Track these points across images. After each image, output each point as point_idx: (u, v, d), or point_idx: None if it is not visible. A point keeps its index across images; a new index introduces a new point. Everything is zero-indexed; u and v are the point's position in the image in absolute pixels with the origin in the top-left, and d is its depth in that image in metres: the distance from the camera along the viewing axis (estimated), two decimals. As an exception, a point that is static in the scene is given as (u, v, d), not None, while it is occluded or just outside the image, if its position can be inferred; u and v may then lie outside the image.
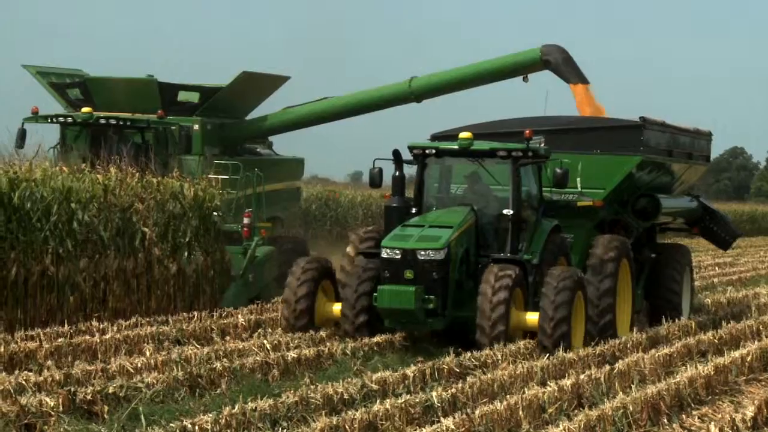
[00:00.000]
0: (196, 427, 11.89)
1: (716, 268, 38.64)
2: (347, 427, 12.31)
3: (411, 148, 19.90)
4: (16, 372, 15.36)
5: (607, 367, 16.30)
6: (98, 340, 17.90)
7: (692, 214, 24.79)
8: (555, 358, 17.20)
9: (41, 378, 14.68)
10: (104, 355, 17.39)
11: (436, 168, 20.32)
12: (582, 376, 15.40)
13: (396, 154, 20.06)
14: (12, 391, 14.00)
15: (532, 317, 18.71)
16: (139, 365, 15.83)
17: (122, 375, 15.33)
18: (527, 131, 19.80)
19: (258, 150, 28.94)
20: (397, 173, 20.14)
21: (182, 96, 26.66)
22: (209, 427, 11.98)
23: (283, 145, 30.18)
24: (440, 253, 18.56)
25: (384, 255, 18.71)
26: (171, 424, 11.97)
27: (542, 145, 21.11)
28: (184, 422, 12.02)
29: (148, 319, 20.73)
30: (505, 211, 19.55)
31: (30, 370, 15.55)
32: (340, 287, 19.83)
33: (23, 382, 14.38)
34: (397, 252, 18.61)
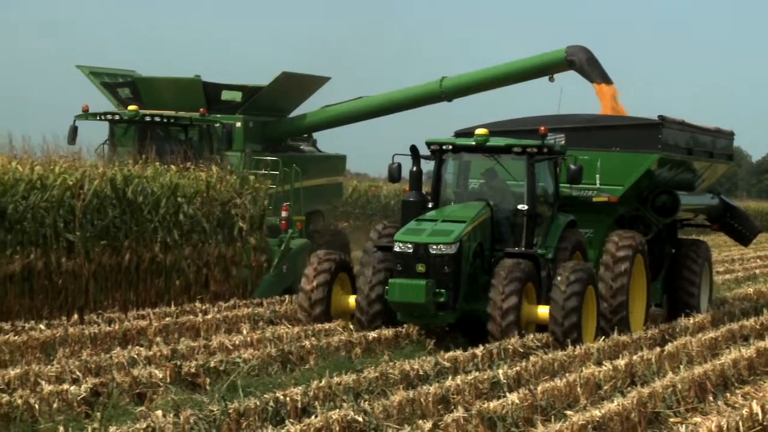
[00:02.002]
0: (288, 399, 11.92)
1: (758, 260, 38.12)
2: (422, 400, 12.28)
3: (429, 144, 18.72)
4: (129, 347, 15.54)
5: (658, 348, 16.17)
6: (201, 320, 18.03)
7: (713, 211, 23.46)
8: (610, 341, 17.09)
9: (151, 352, 14.82)
10: (206, 333, 17.51)
11: (454, 163, 19.11)
12: (635, 357, 15.27)
13: (413, 149, 18.84)
14: (125, 363, 14.17)
15: (544, 311, 17.49)
16: (237, 342, 15.93)
17: (222, 351, 15.44)
18: (542, 128, 18.69)
19: (301, 147, 27.93)
20: (414, 168, 18.94)
21: (225, 95, 25.86)
22: (299, 399, 12.00)
23: (328, 141, 29.32)
24: (452, 247, 17.30)
25: (396, 249, 17.48)
26: (265, 396, 12.02)
27: (562, 142, 20.13)
28: (277, 394, 12.07)
29: (245, 302, 20.86)
30: (520, 206, 18.32)
31: (141, 346, 15.71)
32: (357, 280, 18.52)
33: (135, 356, 14.53)
34: (409, 246, 17.36)
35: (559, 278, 17.39)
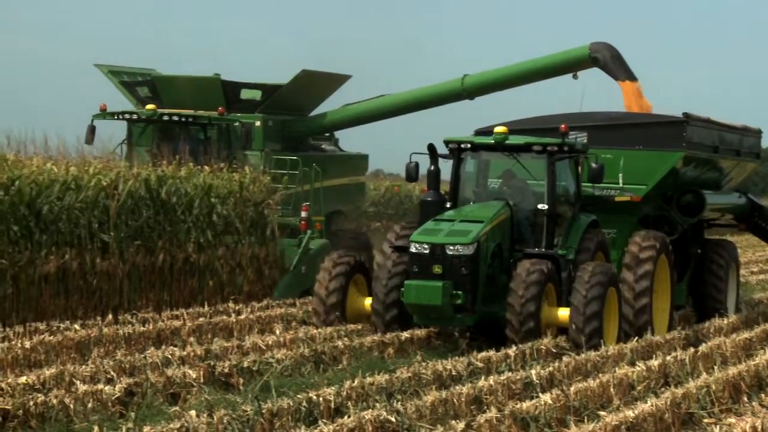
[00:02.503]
0: (321, 399, 11.88)
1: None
2: (455, 400, 12.22)
3: (447, 143, 18.03)
4: (163, 347, 15.55)
5: (692, 349, 16.02)
6: (234, 320, 18.03)
7: (740, 211, 22.63)
8: (643, 341, 16.95)
9: (185, 353, 14.82)
10: (239, 333, 17.50)
11: (473, 162, 18.41)
12: (668, 357, 15.14)
13: (431, 148, 18.14)
14: (159, 363, 14.18)
15: (564, 313, 16.80)
16: (270, 342, 15.91)
17: (255, 351, 15.42)
18: (563, 126, 18.03)
19: (323, 146, 27.16)
20: (432, 167, 18.24)
21: (245, 94, 25.12)
22: (332, 399, 11.96)
23: (350, 140, 28.49)
24: (469, 248, 16.64)
25: (413, 249, 16.79)
26: (298, 396, 11.98)
27: (585, 141, 19.49)
28: (310, 394, 12.03)
29: (278, 302, 20.84)
30: (540, 206, 17.64)
31: (175, 346, 15.71)
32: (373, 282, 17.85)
33: (169, 356, 14.54)
34: (426, 246, 16.69)
35: (579, 281, 16.72)
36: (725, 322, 19.69)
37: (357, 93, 26.87)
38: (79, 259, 18.58)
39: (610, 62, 23.63)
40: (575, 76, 24.32)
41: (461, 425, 10.72)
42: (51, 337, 15.60)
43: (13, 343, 15.16)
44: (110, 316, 17.96)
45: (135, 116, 23.56)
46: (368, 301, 17.74)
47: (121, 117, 23.49)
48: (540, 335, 16.30)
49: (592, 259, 17.62)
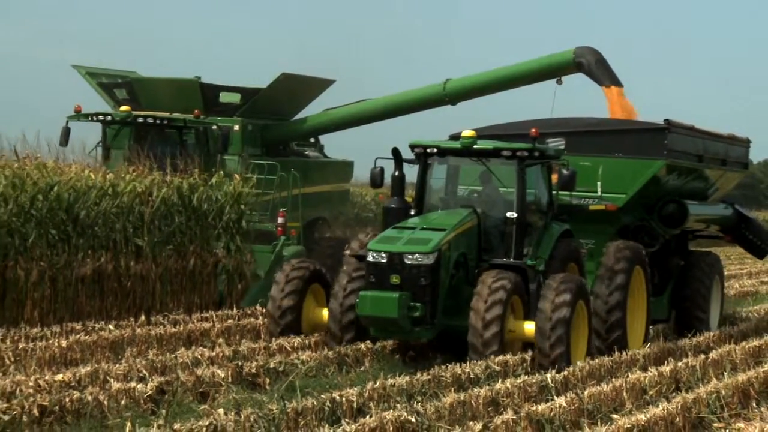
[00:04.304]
0: (344, 399, 11.86)
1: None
2: (473, 402, 12.17)
3: (412, 147, 16.53)
4: (193, 348, 15.57)
5: (703, 356, 15.92)
6: (261, 322, 18.01)
7: (727, 222, 21.03)
8: (655, 347, 16.85)
9: (213, 353, 14.83)
10: (266, 335, 17.49)
11: (441, 168, 16.87)
12: (680, 364, 15.07)
13: (395, 152, 16.73)
14: (189, 363, 14.19)
15: (531, 327, 15.28)
16: (296, 344, 15.88)
17: (281, 353, 15.40)
18: (533, 130, 16.46)
19: (306, 152, 25.68)
20: (396, 173, 16.83)
21: (224, 97, 23.70)
22: (354, 399, 11.94)
23: (338, 147, 26.96)
24: (429, 257, 15.15)
25: (370, 259, 15.27)
26: (322, 396, 11.96)
27: (563, 147, 18.01)
28: (333, 394, 12.01)
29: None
30: (508, 214, 16.08)
31: (204, 346, 15.72)
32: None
33: (199, 357, 14.55)
34: (383, 255, 15.18)
35: (545, 295, 15.17)
36: (735, 329, 19.54)
37: (342, 98, 25.74)
38: (114, 262, 18.63)
39: (594, 67, 22.24)
40: (560, 81, 22.85)
41: (479, 426, 10.68)
42: (86, 337, 15.65)
43: (51, 342, 15.22)
44: (143, 317, 17.99)
45: (109, 118, 22.10)
46: (325, 311, 16.33)
47: (95, 119, 22.04)
48: (503, 343, 14.92)
49: (563, 270, 16.16)
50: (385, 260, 15.24)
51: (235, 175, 21.43)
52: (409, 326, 15.16)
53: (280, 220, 21.49)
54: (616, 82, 22.09)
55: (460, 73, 23.92)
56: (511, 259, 16.02)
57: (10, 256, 17.02)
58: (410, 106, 24.42)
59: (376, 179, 16.89)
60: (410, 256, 15.22)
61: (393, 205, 16.70)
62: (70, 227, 18.05)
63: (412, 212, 16.49)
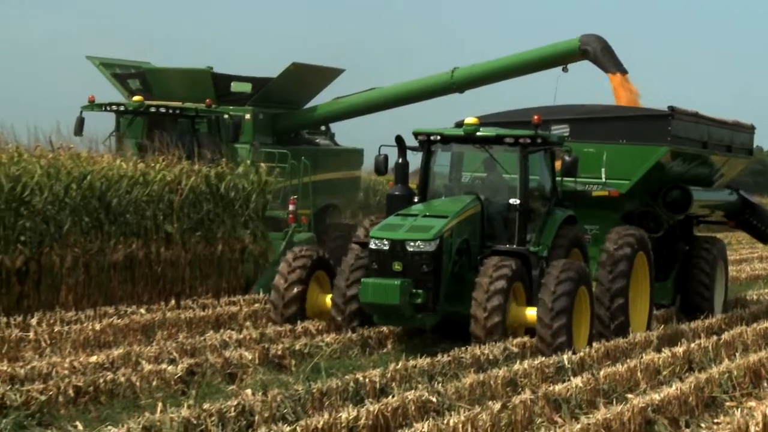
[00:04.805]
0: (367, 380, 11.95)
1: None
2: (491, 383, 12.26)
3: (416, 134, 16.27)
4: (221, 330, 15.70)
5: (715, 337, 15.97)
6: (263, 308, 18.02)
7: (731, 208, 20.79)
8: (668, 328, 16.89)
9: (241, 336, 14.96)
10: (268, 322, 17.44)
11: (446, 155, 16.55)
12: (692, 345, 15.11)
13: (399, 140, 16.45)
14: (218, 346, 14.32)
15: (533, 313, 14.99)
16: (320, 327, 15.95)
17: (307, 335, 15.50)
18: (536, 117, 16.15)
19: (317, 140, 25.32)
20: (400, 160, 16.52)
21: (236, 87, 23.45)
22: (377, 380, 12.03)
23: (350, 135, 26.58)
24: (431, 244, 14.87)
25: (372, 246, 15.03)
26: (346, 377, 12.07)
27: (567, 134, 17.81)
28: (357, 375, 12.12)
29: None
30: (511, 201, 15.86)
31: (232, 329, 15.86)
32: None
33: (227, 339, 14.68)
34: (386, 243, 14.92)
35: (546, 281, 14.84)
36: (747, 312, 19.54)
37: (352, 87, 25.28)
38: (145, 248, 18.79)
39: (599, 54, 21.87)
40: (565, 69, 22.51)
41: (497, 406, 10.75)
42: (119, 321, 15.79)
43: (85, 325, 15.37)
44: (173, 302, 18.13)
45: (122, 107, 21.85)
46: (329, 298, 16.01)
47: (108, 108, 21.77)
48: (506, 337, 14.65)
49: (566, 256, 15.85)
50: (387, 247, 14.97)
51: (261, 164, 21.48)
52: (411, 313, 14.91)
53: (291, 207, 21.28)
54: (622, 69, 21.80)
55: (467, 62, 23.91)
56: (514, 246, 15.78)
57: (45, 243, 17.19)
58: (419, 95, 24.18)
59: (380, 167, 16.64)
60: (412, 244, 14.95)
61: (396, 193, 16.47)
62: (102, 215, 18.20)
63: (416, 199, 16.26)
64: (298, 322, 15.86)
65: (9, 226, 16.72)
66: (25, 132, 19.26)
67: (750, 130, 21.50)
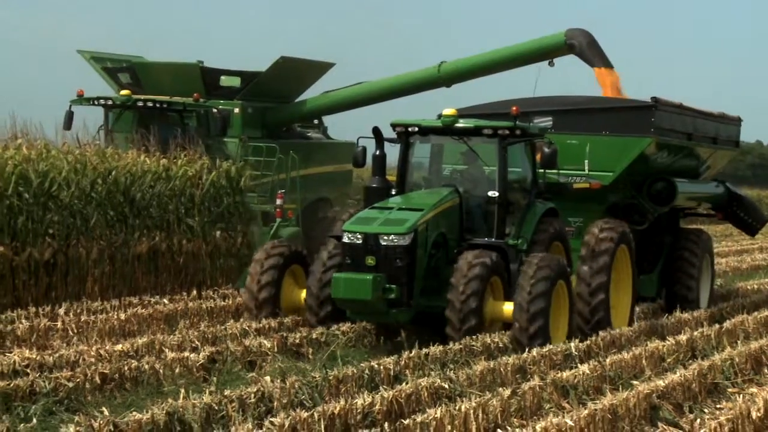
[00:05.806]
0: (381, 367, 11.93)
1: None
2: (502, 369, 12.22)
3: (394, 126, 15.45)
4: (241, 320, 15.68)
5: (717, 325, 15.88)
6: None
7: (718, 200, 20.01)
8: (672, 318, 16.81)
9: (260, 325, 14.92)
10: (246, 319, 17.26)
11: (425, 147, 15.74)
12: (696, 333, 15.04)
13: (376, 131, 15.63)
14: (238, 334, 14.31)
15: (510, 308, 14.16)
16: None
17: (323, 324, 15.46)
18: (514, 108, 15.37)
19: (308, 134, 24.46)
20: (377, 152, 15.73)
21: (225, 81, 22.64)
22: (392, 367, 12.01)
23: (342, 129, 25.72)
24: (405, 238, 14.03)
25: (345, 240, 14.21)
26: (361, 364, 12.05)
27: (550, 126, 17.13)
28: (372, 363, 12.08)
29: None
30: (490, 193, 15.03)
31: (252, 319, 15.84)
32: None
33: (247, 328, 14.66)
34: (359, 236, 14.08)
35: (523, 275, 14.03)
36: (748, 301, 19.44)
37: (343, 81, 24.55)
38: (168, 241, 18.79)
39: (585, 49, 20.93)
40: (551, 63, 21.53)
41: (507, 392, 10.72)
42: (143, 310, 15.80)
43: (110, 315, 15.40)
44: (195, 292, 18.14)
45: (110, 102, 21.05)
46: (304, 293, 15.17)
47: (96, 102, 21.04)
48: (482, 332, 13.84)
49: (547, 250, 15.02)
50: (360, 241, 14.15)
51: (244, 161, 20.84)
52: (384, 308, 14.08)
53: (278, 201, 20.25)
54: (607, 64, 20.89)
55: (454, 56, 23.33)
56: (493, 239, 14.99)
57: (72, 235, 17.20)
58: (407, 89, 23.35)
59: (358, 159, 15.86)
60: (385, 237, 14.10)
61: (374, 185, 15.67)
62: (127, 209, 18.22)
63: (394, 192, 15.46)
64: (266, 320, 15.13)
65: (38, 219, 16.75)
66: (52, 129, 19.23)
67: (736, 122, 20.79)
